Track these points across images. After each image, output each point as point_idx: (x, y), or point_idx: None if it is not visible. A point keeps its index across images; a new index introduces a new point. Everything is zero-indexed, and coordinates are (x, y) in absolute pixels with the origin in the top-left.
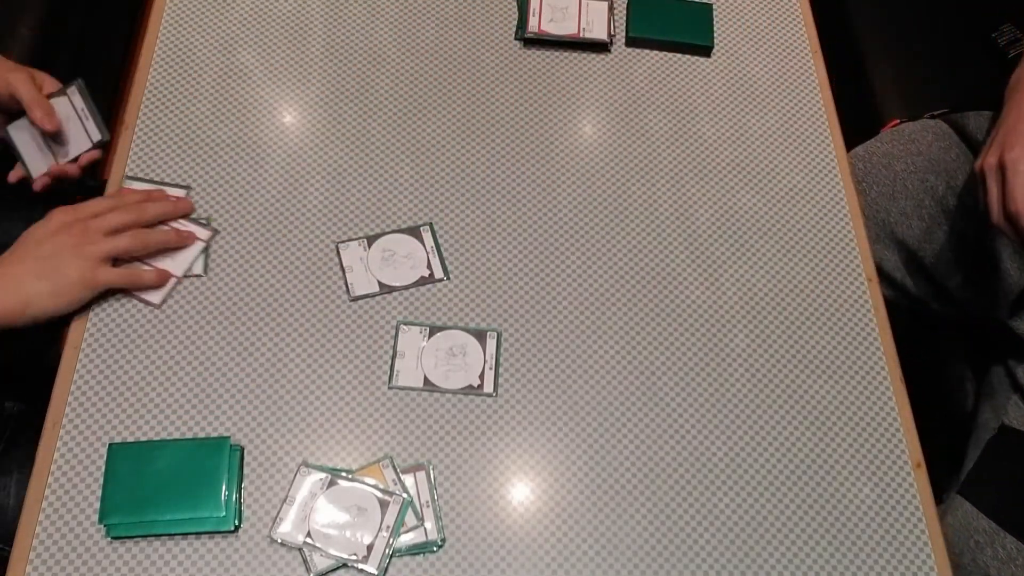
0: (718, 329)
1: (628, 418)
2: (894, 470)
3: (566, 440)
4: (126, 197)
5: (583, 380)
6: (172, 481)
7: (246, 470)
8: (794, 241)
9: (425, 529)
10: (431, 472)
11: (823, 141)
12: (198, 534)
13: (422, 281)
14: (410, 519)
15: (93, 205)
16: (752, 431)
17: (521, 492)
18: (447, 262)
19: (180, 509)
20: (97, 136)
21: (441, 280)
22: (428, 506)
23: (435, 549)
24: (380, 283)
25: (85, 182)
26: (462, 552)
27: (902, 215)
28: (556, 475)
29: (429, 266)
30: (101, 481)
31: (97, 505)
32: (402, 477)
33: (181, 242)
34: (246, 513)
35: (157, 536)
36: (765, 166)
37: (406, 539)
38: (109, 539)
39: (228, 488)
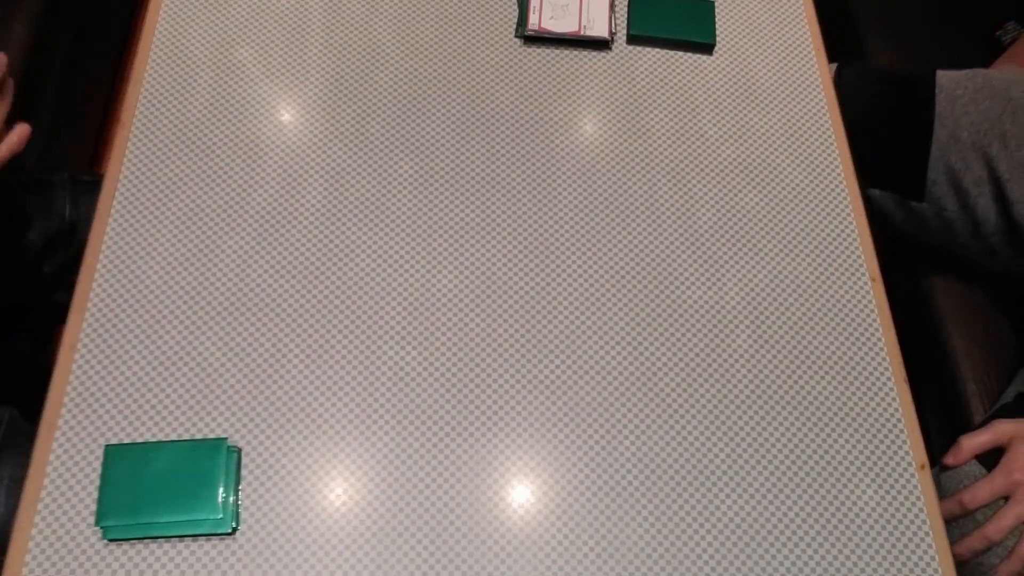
0: (720, 329)
1: (629, 418)
2: (898, 471)
3: (566, 441)
4: None
5: (583, 380)
6: (169, 483)
7: (244, 472)
8: (797, 240)
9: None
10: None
11: (826, 139)
12: (195, 536)
13: None
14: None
15: None
16: (754, 432)
17: (521, 494)
18: (447, 263)
19: (177, 511)
20: None
21: None
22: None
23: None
24: None
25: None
26: (461, 555)
27: (1001, 136)
28: (556, 476)
29: None
30: (98, 483)
31: (94, 507)
32: None
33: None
34: (243, 515)
35: (154, 539)
36: (768, 164)
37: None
38: (106, 541)
39: (225, 490)
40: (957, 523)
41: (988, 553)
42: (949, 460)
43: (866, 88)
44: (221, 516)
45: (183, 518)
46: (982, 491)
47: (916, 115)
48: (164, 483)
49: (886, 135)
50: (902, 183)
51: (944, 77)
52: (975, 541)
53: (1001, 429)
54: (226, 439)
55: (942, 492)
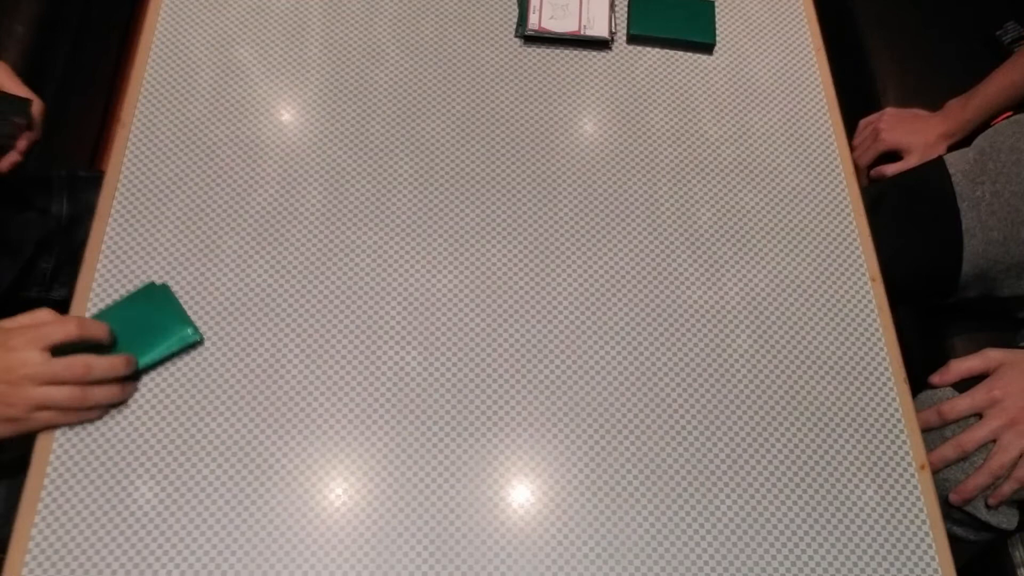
0: (720, 329)
1: (629, 419)
2: (898, 472)
3: (566, 441)
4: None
5: (583, 381)
6: (132, 332)
7: (244, 471)
8: (797, 240)
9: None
10: None
11: (826, 139)
12: (171, 358)
13: None
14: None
15: (37, 340)
16: (754, 432)
17: (521, 494)
18: (447, 264)
19: (153, 349)
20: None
21: None
22: None
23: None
24: None
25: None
26: (461, 555)
27: None
28: (556, 477)
29: None
30: (98, 482)
31: (94, 507)
32: None
33: (123, 396)
34: (249, 520)
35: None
36: (768, 164)
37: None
38: (106, 542)
39: (178, 312)
40: (931, 441)
41: (955, 470)
42: (935, 379)
43: (898, 229)
44: (188, 331)
45: (160, 351)
46: (961, 403)
47: (944, 241)
48: (129, 335)
49: (918, 264)
50: (932, 298)
51: (960, 179)
52: (948, 449)
53: (991, 355)
54: (153, 283)
55: (919, 409)
